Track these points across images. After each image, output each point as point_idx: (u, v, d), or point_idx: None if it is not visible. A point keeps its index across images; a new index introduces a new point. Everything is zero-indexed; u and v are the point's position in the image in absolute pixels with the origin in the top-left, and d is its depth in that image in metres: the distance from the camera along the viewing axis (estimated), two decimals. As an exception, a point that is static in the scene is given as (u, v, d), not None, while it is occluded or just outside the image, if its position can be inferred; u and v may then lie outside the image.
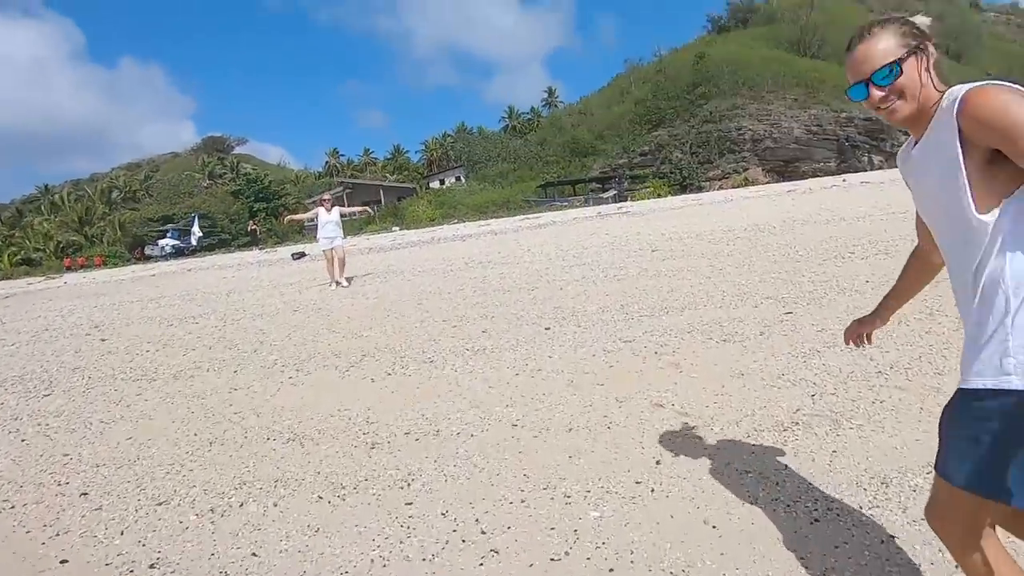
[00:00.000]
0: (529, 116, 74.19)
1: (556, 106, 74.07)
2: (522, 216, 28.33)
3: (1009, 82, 1.02)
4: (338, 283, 9.24)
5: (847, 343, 1.65)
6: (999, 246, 1.06)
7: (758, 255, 7.03)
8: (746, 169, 43.99)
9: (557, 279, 7.05)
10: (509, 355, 4.13)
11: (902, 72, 1.12)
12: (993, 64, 59.78)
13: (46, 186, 73.39)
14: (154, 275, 17.41)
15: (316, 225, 9.59)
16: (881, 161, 42.97)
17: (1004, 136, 1.00)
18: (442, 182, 58.85)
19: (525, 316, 5.31)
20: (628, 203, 32.45)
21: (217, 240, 47.31)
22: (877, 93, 1.15)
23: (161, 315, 8.42)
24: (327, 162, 75.58)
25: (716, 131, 45.84)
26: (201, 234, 36.67)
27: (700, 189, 43.40)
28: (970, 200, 1.07)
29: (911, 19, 1.19)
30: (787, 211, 11.28)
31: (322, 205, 9.50)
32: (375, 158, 74.87)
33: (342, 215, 9.78)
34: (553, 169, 50.91)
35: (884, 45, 1.14)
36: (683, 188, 44.21)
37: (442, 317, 5.75)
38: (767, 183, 42.02)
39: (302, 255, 16.12)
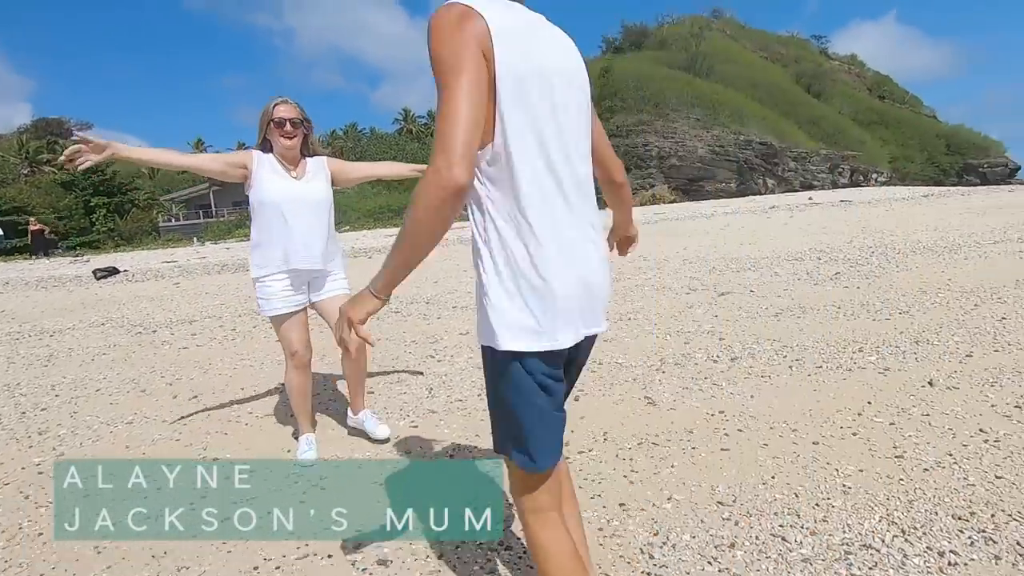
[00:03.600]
0: (426, 120, 69.88)
1: (455, 111, 70.30)
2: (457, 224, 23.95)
3: None
4: (370, 434, 2.69)
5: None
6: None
7: None
8: (653, 186, 43.29)
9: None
10: None
11: None
12: (845, 104, 65.75)
13: None
14: None
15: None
16: (774, 184, 44.39)
17: None
18: (330, 184, 52.59)
19: None
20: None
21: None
22: None
23: None
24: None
25: (623, 145, 44.83)
26: (1, 232, 28.18)
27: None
28: None
29: None
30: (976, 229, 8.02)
31: (278, 136, 2.42)
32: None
33: (337, 184, 2.63)
34: (455, 175, 47.09)
35: None
36: (591, 202, 42.68)
37: None
38: (673, 201, 41.59)
39: (111, 272, 10.79)
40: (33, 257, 20.39)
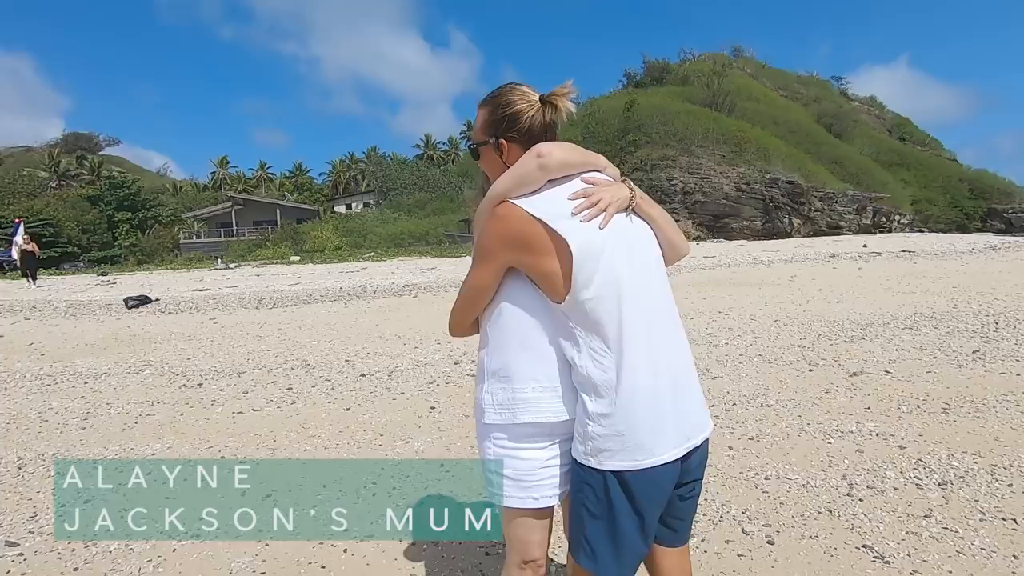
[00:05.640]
0: (447, 147, 70.50)
1: (476, 139, 70.80)
2: (467, 254, 23.45)
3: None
4: None
5: None
6: None
7: None
8: (677, 221, 42.59)
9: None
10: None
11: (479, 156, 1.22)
12: (866, 145, 65.28)
13: None
14: None
15: None
16: (800, 224, 43.68)
17: None
18: (349, 207, 52.93)
19: None
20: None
21: (59, 254, 38.09)
22: None
23: None
24: (214, 172, 66.31)
25: (647, 180, 44.50)
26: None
27: (631, 237, 41.64)
28: None
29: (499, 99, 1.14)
30: None
31: None
32: (272, 174, 66.90)
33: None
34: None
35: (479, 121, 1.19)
36: (613, 235, 42.30)
37: None
38: (698, 237, 41.11)
39: (143, 301, 10.32)
40: (28, 278, 17.62)
